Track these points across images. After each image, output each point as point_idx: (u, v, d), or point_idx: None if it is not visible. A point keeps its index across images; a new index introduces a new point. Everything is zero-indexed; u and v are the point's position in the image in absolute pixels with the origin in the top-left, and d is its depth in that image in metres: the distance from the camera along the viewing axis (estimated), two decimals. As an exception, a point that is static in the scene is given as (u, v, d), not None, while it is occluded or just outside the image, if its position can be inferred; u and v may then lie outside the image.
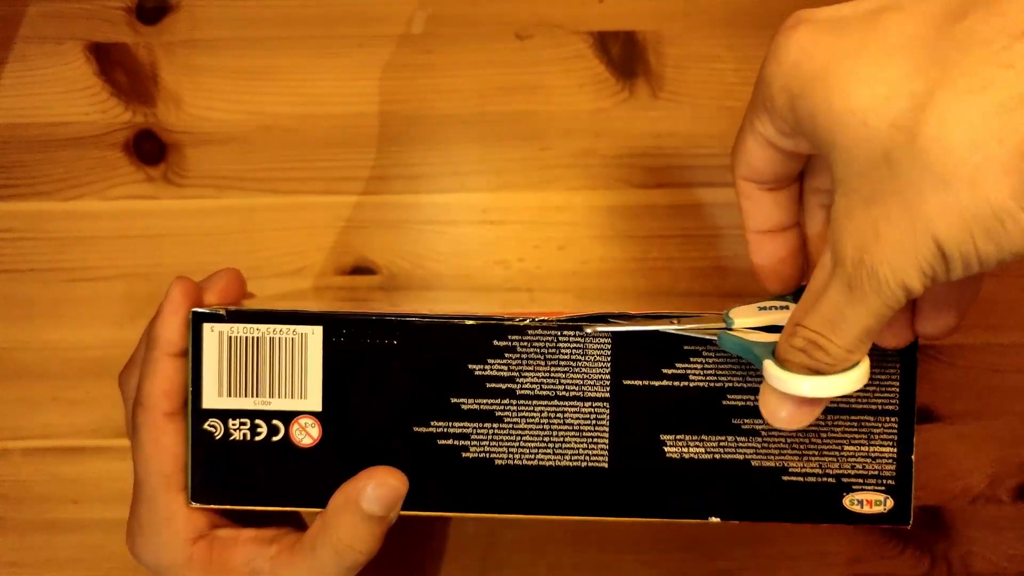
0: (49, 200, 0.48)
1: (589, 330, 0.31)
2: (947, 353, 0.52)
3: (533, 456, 0.32)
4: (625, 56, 0.47)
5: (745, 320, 0.30)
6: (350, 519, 0.31)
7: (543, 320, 0.31)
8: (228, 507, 0.32)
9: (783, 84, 0.24)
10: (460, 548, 0.52)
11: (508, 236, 0.48)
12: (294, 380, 0.31)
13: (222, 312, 0.31)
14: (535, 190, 0.48)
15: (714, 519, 0.32)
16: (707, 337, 0.31)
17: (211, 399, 0.31)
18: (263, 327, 0.31)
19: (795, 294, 0.30)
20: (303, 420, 0.31)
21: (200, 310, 0.31)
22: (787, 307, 0.29)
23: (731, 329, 0.30)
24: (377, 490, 0.31)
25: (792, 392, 0.26)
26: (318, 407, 0.31)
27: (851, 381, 0.25)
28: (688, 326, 0.31)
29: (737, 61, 0.47)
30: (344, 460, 0.32)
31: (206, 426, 0.32)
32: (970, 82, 0.20)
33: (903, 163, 0.21)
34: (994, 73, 0.20)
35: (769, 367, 0.26)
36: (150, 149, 0.48)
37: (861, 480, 0.32)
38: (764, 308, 0.30)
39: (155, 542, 0.32)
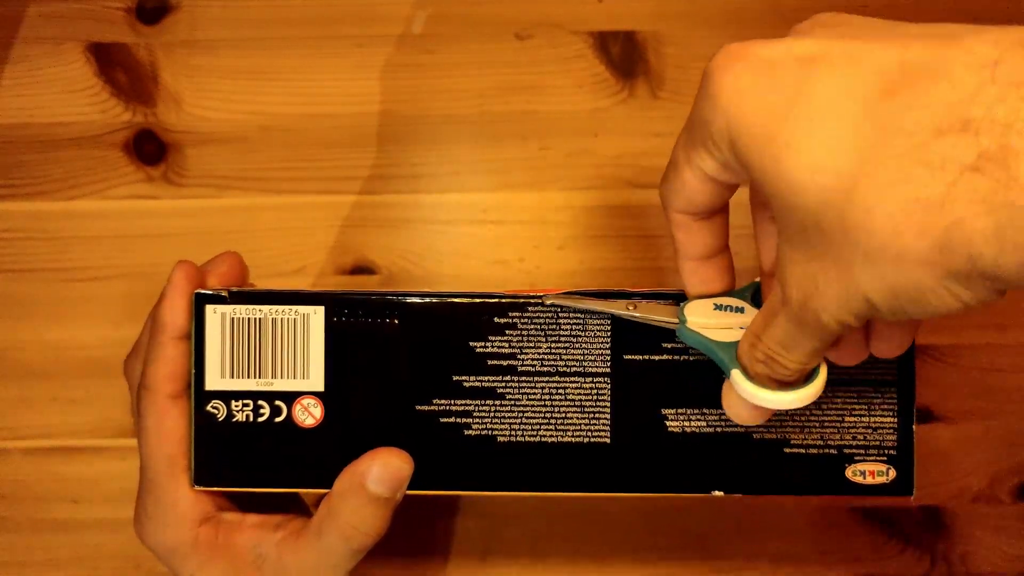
0: (49, 200, 0.48)
1: (549, 302, 0.31)
2: (947, 353, 0.52)
3: (535, 432, 0.32)
4: (625, 56, 0.47)
5: (699, 319, 0.30)
6: (356, 501, 0.31)
7: (530, 296, 0.31)
8: (231, 489, 0.32)
9: (722, 127, 0.24)
10: (460, 546, 0.52)
11: (508, 236, 0.48)
12: (296, 360, 0.31)
13: (225, 293, 0.31)
14: (535, 190, 0.48)
15: (717, 493, 0.32)
16: (663, 327, 0.31)
17: (214, 381, 0.31)
18: (266, 308, 0.31)
19: (743, 292, 0.31)
20: (305, 400, 0.31)
21: (203, 291, 0.31)
22: (742, 309, 0.30)
23: (686, 324, 0.30)
24: (382, 471, 0.31)
25: (759, 404, 0.28)
26: (320, 387, 0.31)
27: (810, 394, 0.28)
28: (645, 315, 0.31)
29: (737, 61, 0.47)
30: (347, 440, 0.32)
31: (209, 408, 0.32)
32: (891, 174, 0.21)
33: (834, 234, 0.22)
34: (913, 169, 0.21)
35: (738, 378, 0.28)
36: (150, 149, 0.48)
37: (863, 451, 0.32)
38: (720, 308, 0.30)
39: (161, 525, 0.32)
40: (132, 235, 0.49)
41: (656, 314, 0.31)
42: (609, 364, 0.32)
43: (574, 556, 0.51)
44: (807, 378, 0.28)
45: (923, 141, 0.21)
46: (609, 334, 0.31)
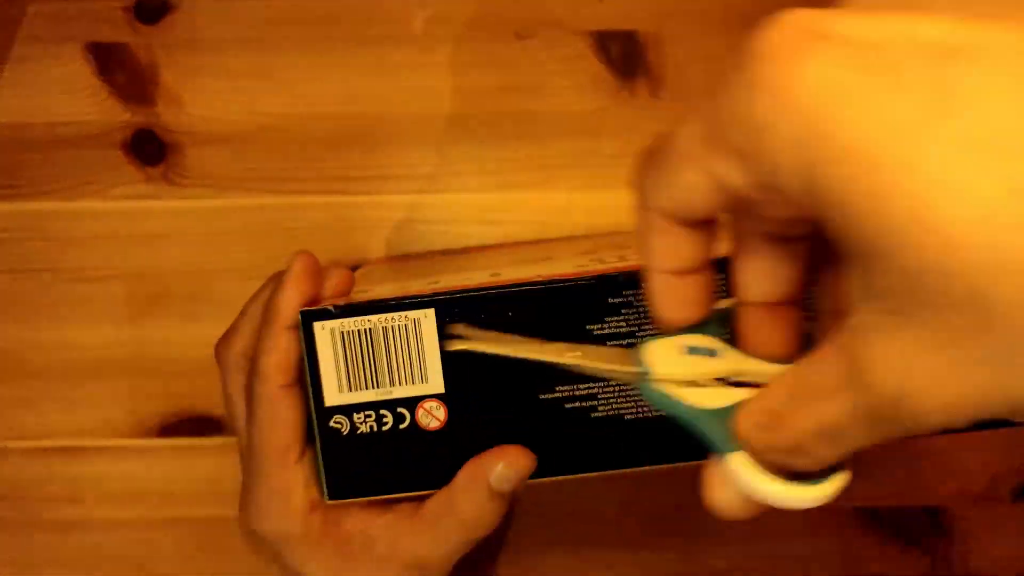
0: (49, 200, 0.48)
1: (457, 332, 0.29)
2: (947, 353, 0.52)
3: None
4: (625, 56, 0.47)
5: (667, 368, 0.23)
6: (479, 496, 0.31)
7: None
8: (364, 499, 0.32)
9: (794, 140, 0.17)
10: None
11: (508, 236, 0.48)
12: (413, 366, 0.31)
13: (331, 308, 0.31)
14: (535, 190, 0.48)
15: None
16: (618, 379, 0.27)
17: (332, 396, 0.31)
18: (374, 317, 0.30)
19: (708, 326, 0.24)
20: (428, 404, 0.31)
21: (308, 309, 0.31)
22: (714, 353, 0.24)
23: (648, 377, 0.24)
24: (507, 469, 0.31)
25: (759, 498, 0.22)
26: (440, 389, 0.31)
27: (831, 489, 0.22)
28: (592, 364, 0.25)
29: (737, 61, 0.47)
30: (473, 437, 0.31)
31: (332, 424, 0.31)
32: None
33: (1004, 321, 0.15)
34: None
35: (741, 467, 0.22)
36: (150, 149, 0.48)
37: None
38: (693, 351, 0.24)
39: (272, 514, 0.33)
40: (132, 235, 0.49)
41: (608, 362, 0.25)
42: (729, 332, 0.30)
43: (574, 557, 0.51)
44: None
45: None
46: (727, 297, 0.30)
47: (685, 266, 0.23)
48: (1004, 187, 0.15)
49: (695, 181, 0.20)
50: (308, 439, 0.32)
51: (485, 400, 0.31)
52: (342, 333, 0.30)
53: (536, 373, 0.31)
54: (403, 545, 0.32)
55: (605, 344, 0.30)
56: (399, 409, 0.31)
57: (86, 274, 0.49)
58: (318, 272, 0.32)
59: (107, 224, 0.48)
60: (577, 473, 0.32)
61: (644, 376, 0.24)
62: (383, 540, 0.32)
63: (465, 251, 0.43)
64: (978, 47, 0.16)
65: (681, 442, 0.31)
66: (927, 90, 0.16)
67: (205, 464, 0.51)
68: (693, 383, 0.23)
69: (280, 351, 0.31)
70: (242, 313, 0.35)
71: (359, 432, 0.31)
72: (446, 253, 0.43)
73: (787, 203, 0.18)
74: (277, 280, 0.35)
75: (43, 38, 0.47)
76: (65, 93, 0.47)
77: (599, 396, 0.31)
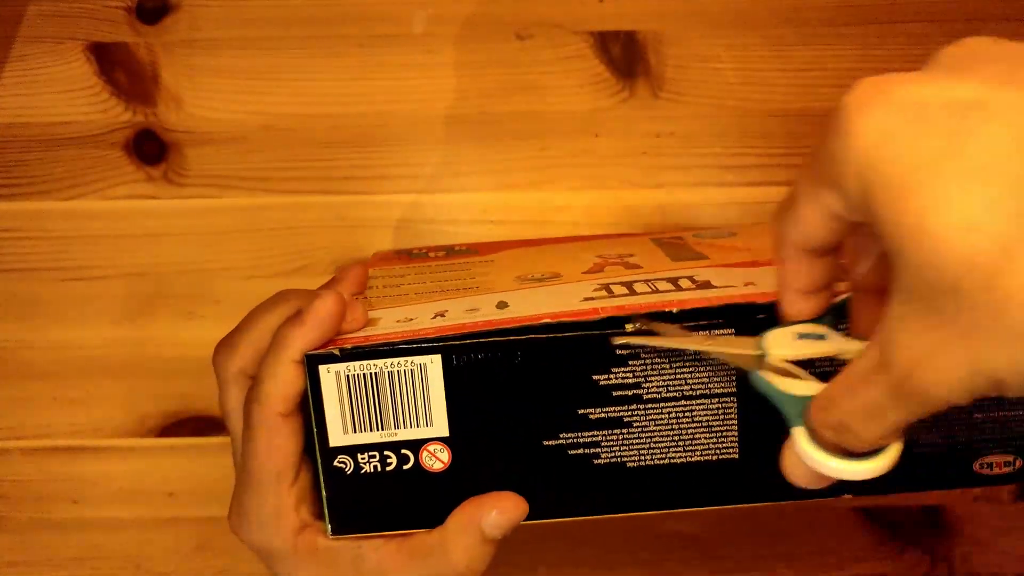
0: (49, 200, 0.48)
1: (619, 341, 0.30)
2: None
3: (664, 455, 0.32)
4: (625, 56, 0.47)
5: (781, 350, 0.28)
6: (470, 540, 0.32)
7: (661, 313, 0.30)
8: (367, 535, 0.33)
9: (857, 170, 0.22)
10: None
11: (508, 236, 0.48)
12: (418, 409, 0.31)
13: (336, 352, 0.30)
14: (535, 190, 0.48)
15: (846, 496, 0.32)
16: (739, 365, 0.29)
17: (337, 437, 0.31)
18: (380, 362, 0.30)
19: (824, 318, 0.29)
20: (432, 447, 0.31)
21: (313, 353, 0.30)
22: (823, 337, 0.28)
23: (766, 359, 0.28)
24: (500, 518, 0.32)
25: (818, 470, 0.26)
26: (445, 432, 0.31)
27: (879, 466, 0.25)
28: (721, 349, 0.29)
29: (737, 61, 0.47)
30: (475, 480, 0.32)
31: (336, 463, 0.31)
32: None
33: (973, 304, 0.20)
34: None
35: (799, 439, 0.26)
36: (150, 149, 0.48)
37: (990, 444, 0.32)
38: (804, 336, 0.28)
39: (262, 531, 0.33)
40: (132, 235, 0.49)
41: (735, 347, 0.29)
42: (735, 383, 0.31)
43: (574, 557, 0.51)
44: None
45: None
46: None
47: (811, 288, 0.28)
48: (982, 204, 0.20)
49: (810, 213, 0.25)
50: (305, 461, 0.33)
51: (489, 445, 0.31)
52: (347, 376, 0.30)
53: (540, 420, 0.31)
54: (390, 571, 0.33)
55: (734, 335, 0.30)
56: (403, 451, 0.31)
57: (86, 274, 0.49)
58: (342, 315, 0.32)
59: (107, 224, 0.48)
60: (574, 517, 0.32)
61: (761, 358, 0.28)
62: (371, 561, 0.33)
63: (470, 252, 0.43)
64: (988, 103, 0.21)
65: (680, 488, 0.32)
66: (947, 135, 0.21)
67: (205, 464, 0.51)
68: (790, 374, 0.28)
69: (283, 382, 0.31)
70: (245, 326, 0.35)
71: (363, 472, 0.31)
72: (450, 254, 0.43)
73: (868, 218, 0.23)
74: (286, 299, 0.35)
75: (43, 38, 0.47)
76: (65, 93, 0.47)
77: (602, 444, 0.31)
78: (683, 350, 0.30)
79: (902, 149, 0.21)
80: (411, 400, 0.31)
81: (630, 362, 0.31)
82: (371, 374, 0.30)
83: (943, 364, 0.21)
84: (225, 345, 0.35)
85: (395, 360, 0.30)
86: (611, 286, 0.34)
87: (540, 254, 0.41)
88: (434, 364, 0.30)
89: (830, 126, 0.23)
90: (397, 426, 0.31)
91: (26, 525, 0.52)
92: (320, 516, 0.33)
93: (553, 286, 0.35)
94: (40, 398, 0.50)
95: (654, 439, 0.32)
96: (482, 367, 0.30)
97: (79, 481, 0.51)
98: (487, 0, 0.46)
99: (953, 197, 0.20)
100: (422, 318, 0.32)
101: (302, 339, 0.31)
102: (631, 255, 0.39)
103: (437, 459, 0.32)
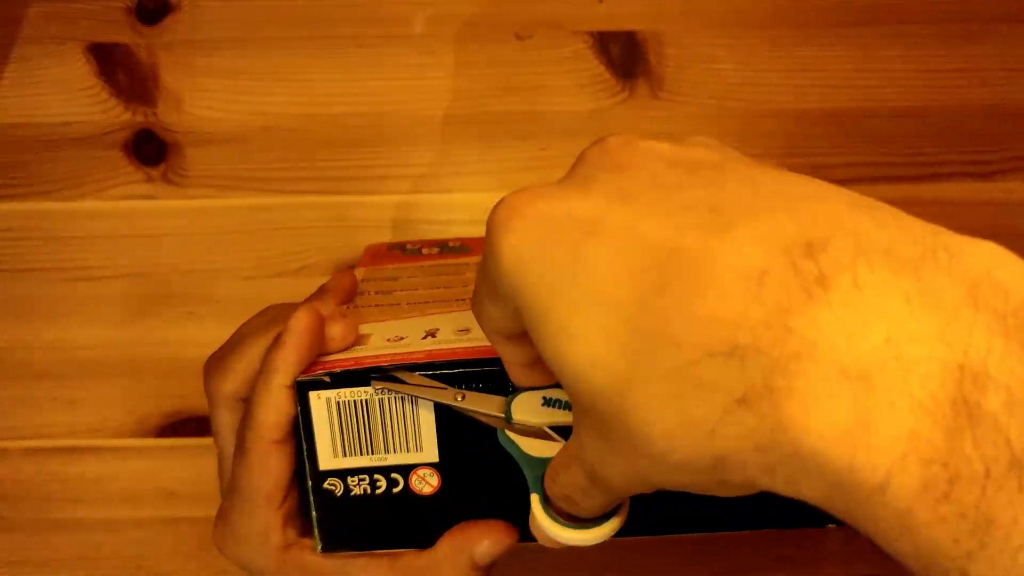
0: (49, 200, 0.48)
1: (376, 387, 0.30)
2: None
3: None
4: (625, 56, 0.47)
5: (526, 416, 0.29)
6: (460, 566, 0.32)
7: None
8: (356, 552, 0.33)
9: (505, 292, 0.23)
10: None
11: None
12: (407, 435, 0.31)
13: (326, 378, 0.31)
14: (535, 190, 0.48)
15: (831, 525, 0.32)
16: (489, 423, 0.30)
17: (327, 461, 0.31)
18: (369, 389, 0.30)
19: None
20: (421, 471, 0.32)
21: (303, 379, 0.31)
22: (568, 406, 0.29)
23: (510, 423, 0.29)
24: (491, 547, 0.32)
25: (550, 535, 0.29)
26: (435, 458, 0.31)
27: (605, 533, 0.28)
28: (472, 407, 0.30)
29: (737, 61, 0.47)
30: (465, 503, 0.32)
31: (326, 485, 0.32)
32: (665, 388, 0.20)
33: (610, 427, 0.21)
34: (685, 388, 0.19)
35: (536, 507, 0.29)
36: (150, 149, 0.48)
37: None
38: (549, 401, 0.29)
39: (249, 549, 0.33)
40: (132, 235, 0.49)
41: (483, 407, 0.30)
42: None
43: (573, 556, 0.51)
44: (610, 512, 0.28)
45: (694, 359, 0.19)
46: None
47: (529, 361, 0.28)
48: (599, 337, 0.21)
49: (492, 311, 0.26)
50: (294, 480, 0.33)
51: (479, 468, 0.31)
52: (338, 403, 0.31)
53: None
54: None
55: (488, 393, 0.30)
56: (393, 475, 0.32)
57: (86, 274, 0.49)
58: (320, 329, 0.32)
59: (107, 224, 0.48)
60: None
61: (508, 418, 0.29)
62: None
63: (463, 250, 0.43)
64: (603, 224, 0.21)
65: (670, 513, 0.32)
66: (569, 260, 0.21)
67: (205, 464, 0.51)
68: (540, 434, 0.29)
69: (275, 409, 0.31)
70: (236, 347, 0.35)
71: (352, 494, 0.32)
72: (443, 251, 0.42)
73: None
74: (275, 317, 0.35)
75: (43, 38, 0.47)
76: (65, 93, 0.47)
77: None
78: (432, 400, 0.30)
79: (534, 274, 0.22)
80: (401, 426, 0.31)
81: None
82: (362, 401, 0.31)
83: (613, 467, 0.23)
84: (216, 367, 0.35)
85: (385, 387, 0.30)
86: None
87: None
88: None
89: (485, 244, 0.24)
90: (387, 451, 0.31)
91: (26, 525, 0.52)
92: (308, 533, 0.33)
93: None
94: (40, 398, 0.50)
95: None
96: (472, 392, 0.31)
97: (79, 481, 0.51)
98: (487, 0, 0.46)
99: (577, 330, 0.21)
100: (413, 337, 0.32)
101: (286, 363, 0.31)
102: None
103: (427, 483, 0.32)
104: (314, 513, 0.32)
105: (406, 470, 0.31)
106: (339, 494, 0.32)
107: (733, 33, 0.47)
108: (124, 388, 0.50)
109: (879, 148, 0.48)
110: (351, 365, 0.31)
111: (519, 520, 0.32)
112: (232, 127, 0.47)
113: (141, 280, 0.49)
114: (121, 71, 0.47)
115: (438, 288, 0.38)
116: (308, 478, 0.32)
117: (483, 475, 0.32)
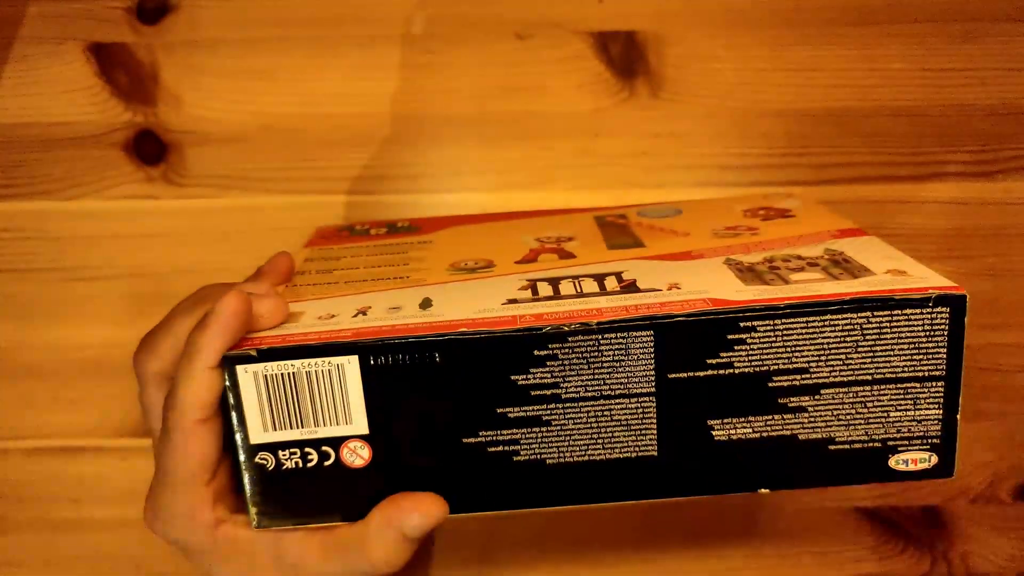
0: (49, 200, 0.48)
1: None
2: (947, 353, 0.52)
3: (583, 453, 0.32)
4: (625, 56, 0.47)
5: None
6: (390, 539, 0.32)
7: (580, 325, 0.31)
8: (290, 527, 0.33)
9: None
10: (460, 544, 0.52)
11: (508, 236, 0.48)
12: (337, 408, 0.31)
13: (253, 353, 0.31)
14: (535, 190, 0.48)
15: (763, 490, 0.33)
16: None
17: (257, 435, 0.32)
18: (297, 362, 0.31)
19: None
20: (352, 443, 0.32)
21: (231, 353, 0.31)
22: None
23: None
24: (421, 519, 0.32)
25: None
26: (365, 430, 0.32)
27: None
28: None
29: (737, 61, 0.47)
30: (397, 475, 0.32)
31: (257, 459, 0.32)
32: None
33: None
34: None
35: None
36: (150, 149, 0.48)
37: (907, 442, 0.32)
38: None
39: (176, 527, 0.34)
40: (132, 235, 0.49)
41: None
42: (653, 384, 0.31)
43: (573, 555, 0.51)
44: None
45: None
46: (652, 355, 0.31)
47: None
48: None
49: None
50: (224, 456, 0.33)
51: (409, 442, 0.32)
52: (265, 376, 0.31)
53: (459, 418, 0.32)
54: (310, 564, 0.33)
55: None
56: (324, 448, 0.32)
57: (86, 274, 0.49)
58: (247, 311, 0.32)
59: (107, 224, 0.48)
60: (496, 510, 0.33)
61: None
62: (291, 554, 0.33)
63: (411, 230, 0.42)
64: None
65: (600, 484, 0.33)
66: None
67: (205, 464, 0.51)
68: None
69: (198, 388, 0.31)
70: (165, 326, 0.35)
71: (284, 468, 0.32)
72: (391, 231, 0.42)
73: None
74: (204, 298, 0.34)
75: (43, 38, 0.47)
76: (65, 93, 0.47)
77: (521, 442, 0.32)
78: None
79: None
80: (330, 399, 0.31)
81: (548, 363, 0.31)
82: (289, 374, 0.31)
83: None
84: (145, 346, 0.35)
85: (312, 360, 0.31)
86: (537, 284, 0.34)
87: (480, 234, 0.41)
88: (351, 365, 0.31)
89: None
90: (317, 424, 0.31)
91: (26, 525, 0.52)
92: (242, 510, 0.33)
93: (482, 279, 0.35)
94: (40, 398, 0.50)
95: (573, 437, 0.32)
96: (400, 367, 0.31)
97: (79, 481, 0.51)
98: (487, 0, 0.46)
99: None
100: (343, 315, 0.33)
101: (210, 344, 0.31)
102: (570, 238, 0.39)
103: (358, 455, 0.32)
104: (247, 488, 0.32)
105: (337, 443, 0.32)
106: (271, 468, 0.32)
107: (733, 33, 0.47)
108: (124, 388, 0.50)
109: (879, 148, 0.48)
110: (279, 342, 0.31)
111: (451, 490, 0.32)
112: (232, 127, 0.47)
113: (141, 280, 0.49)
114: (121, 71, 0.47)
115: (378, 267, 0.38)
116: (239, 452, 0.32)
117: (413, 447, 0.32)
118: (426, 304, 0.33)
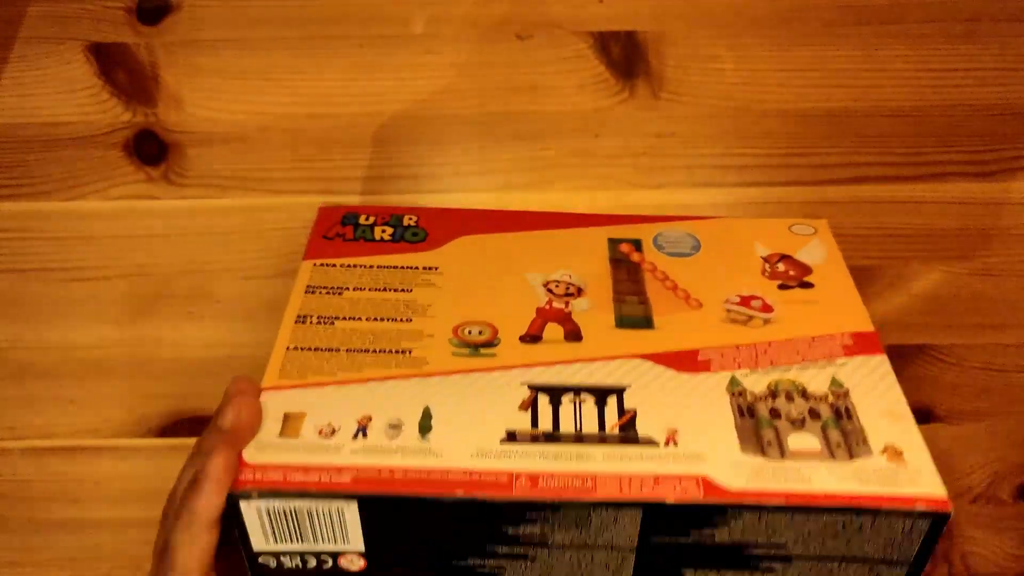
0: (49, 200, 0.48)
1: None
2: (947, 353, 0.52)
3: None
4: (625, 56, 0.47)
5: None
6: None
7: (574, 499, 0.32)
8: None
9: None
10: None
11: (508, 236, 0.48)
12: (335, 536, 0.33)
13: (255, 493, 0.32)
14: (535, 190, 0.48)
15: None
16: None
17: (260, 545, 0.33)
18: (298, 502, 0.32)
19: None
20: (350, 556, 0.34)
21: (234, 492, 0.32)
22: None
23: None
24: None
25: None
26: (361, 548, 0.34)
27: None
28: None
29: (737, 61, 0.47)
30: (392, 574, 0.34)
31: (260, 560, 0.34)
32: None
33: None
34: None
35: None
36: (150, 149, 0.48)
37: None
38: None
39: None
40: (132, 235, 0.49)
41: None
42: (637, 542, 0.33)
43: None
44: None
45: None
46: (639, 524, 0.32)
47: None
48: None
49: None
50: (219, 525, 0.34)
51: (403, 563, 0.34)
52: (267, 510, 0.32)
53: (451, 549, 0.33)
54: None
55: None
56: (323, 556, 0.34)
57: (86, 274, 0.49)
58: (235, 467, 0.33)
59: (107, 224, 0.48)
60: None
61: None
62: None
63: (417, 239, 0.42)
64: None
65: None
66: None
67: (205, 464, 0.51)
68: None
69: (198, 548, 0.33)
70: (180, 477, 0.36)
71: (286, 568, 0.34)
72: (396, 237, 0.42)
73: None
74: (200, 446, 0.35)
75: (43, 38, 0.47)
76: (65, 93, 0.47)
77: (507, 570, 0.34)
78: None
79: None
80: (329, 530, 0.33)
81: (540, 522, 0.32)
82: (291, 509, 0.32)
83: None
84: (171, 513, 0.36)
85: (313, 502, 0.32)
86: (539, 396, 0.35)
87: (487, 260, 0.42)
88: (351, 507, 0.32)
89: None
90: (316, 541, 0.33)
91: (26, 525, 0.52)
92: None
93: (484, 373, 0.36)
94: (40, 398, 0.50)
95: (554, 571, 0.34)
96: (396, 512, 0.32)
97: (79, 481, 0.51)
98: (487, 0, 0.46)
99: None
100: (344, 431, 0.34)
101: (206, 507, 0.32)
102: (580, 289, 0.40)
103: (354, 563, 0.34)
104: None
105: (335, 555, 0.34)
106: (273, 567, 0.34)
107: (733, 33, 0.47)
108: (124, 388, 0.50)
109: (879, 148, 0.48)
110: (279, 483, 0.32)
111: None
112: (232, 127, 0.47)
113: (141, 280, 0.49)
114: (121, 71, 0.47)
115: (381, 320, 0.38)
116: (244, 556, 0.34)
117: (408, 565, 0.34)
118: (426, 427, 0.34)
